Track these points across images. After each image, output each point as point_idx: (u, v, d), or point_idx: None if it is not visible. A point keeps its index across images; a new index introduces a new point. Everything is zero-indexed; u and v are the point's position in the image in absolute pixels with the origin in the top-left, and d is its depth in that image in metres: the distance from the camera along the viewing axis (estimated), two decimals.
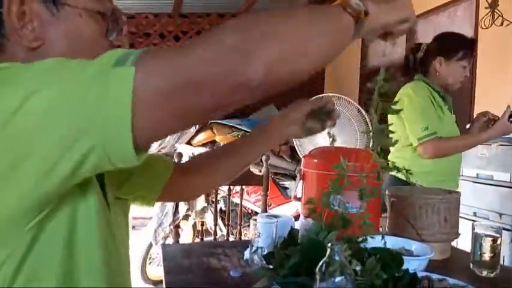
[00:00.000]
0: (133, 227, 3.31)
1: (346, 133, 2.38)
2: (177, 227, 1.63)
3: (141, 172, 0.74)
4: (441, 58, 1.66)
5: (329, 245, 0.66)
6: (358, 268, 0.78)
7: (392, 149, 1.73)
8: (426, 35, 3.13)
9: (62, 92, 0.40)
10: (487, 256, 0.99)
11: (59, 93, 0.40)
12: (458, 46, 1.67)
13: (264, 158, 1.75)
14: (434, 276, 0.85)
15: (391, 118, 1.65)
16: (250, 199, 2.82)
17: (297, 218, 1.52)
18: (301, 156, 2.82)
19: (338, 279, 0.65)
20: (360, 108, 2.53)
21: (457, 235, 1.14)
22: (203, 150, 3.14)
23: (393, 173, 1.57)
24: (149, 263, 2.57)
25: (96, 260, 0.51)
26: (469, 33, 2.66)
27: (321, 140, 2.27)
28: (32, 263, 0.45)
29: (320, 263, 0.66)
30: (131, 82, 0.39)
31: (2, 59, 0.52)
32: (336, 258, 0.65)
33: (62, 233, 0.47)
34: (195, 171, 0.83)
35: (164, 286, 0.89)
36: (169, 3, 3.52)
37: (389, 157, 1.68)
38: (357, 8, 0.51)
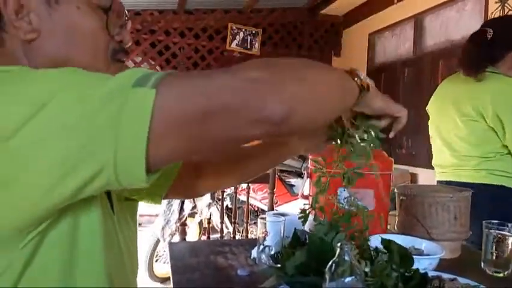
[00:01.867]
0: (140, 224, 3.32)
1: None
2: (183, 224, 1.62)
3: None
4: None
5: (339, 244, 0.65)
6: (367, 269, 0.77)
7: (472, 155, 1.44)
8: (434, 30, 3.10)
9: (77, 103, 0.38)
10: (498, 255, 0.97)
11: (74, 105, 0.38)
12: None
13: None
14: (445, 275, 0.84)
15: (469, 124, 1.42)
16: (257, 196, 2.81)
17: None
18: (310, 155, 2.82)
19: (348, 279, 0.64)
20: None
21: (468, 234, 1.13)
22: None
23: (497, 182, 1.39)
24: (156, 260, 2.58)
25: (98, 265, 0.50)
26: (477, 28, 2.62)
27: None
28: (33, 271, 0.44)
29: (330, 263, 0.65)
30: (151, 104, 0.38)
31: (2, 55, 0.51)
32: (346, 258, 0.64)
33: (63, 241, 0.46)
34: (208, 172, 0.79)
35: (172, 285, 0.89)
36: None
37: (478, 166, 1.42)
38: (364, 80, 0.56)
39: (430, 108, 1.72)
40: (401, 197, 1.15)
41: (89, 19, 0.53)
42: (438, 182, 1.57)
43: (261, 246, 0.92)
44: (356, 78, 0.56)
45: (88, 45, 0.53)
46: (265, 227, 0.95)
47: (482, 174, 1.41)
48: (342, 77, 0.54)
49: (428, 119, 1.76)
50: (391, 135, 0.69)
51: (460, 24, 2.82)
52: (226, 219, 2.56)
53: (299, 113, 0.43)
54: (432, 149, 1.66)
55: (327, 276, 0.64)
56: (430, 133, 1.69)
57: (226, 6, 3.81)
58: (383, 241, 0.85)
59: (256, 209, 2.90)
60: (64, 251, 0.46)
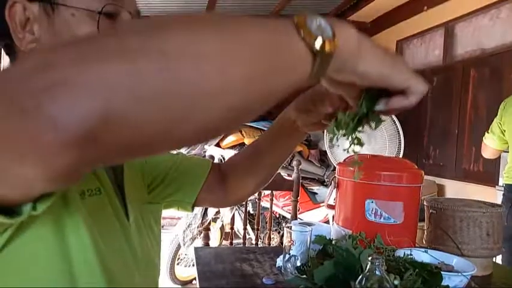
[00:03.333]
0: (162, 227, 3.37)
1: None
2: (207, 229, 1.64)
3: (175, 177, 0.73)
4: None
5: (369, 258, 0.64)
6: (397, 282, 0.76)
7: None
8: (465, 38, 3.02)
9: None
10: None
11: None
12: None
13: (295, 163, 1.73)
14: None
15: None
16: (279, 203, 2.81)
17: (325, 223, 1.50)
18: (333, 162, 2.79)
19: None
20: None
21: (500, 251, 1.09)
22: (232, 152, 3.16)
23: None
24: (178, 263, 2.61)
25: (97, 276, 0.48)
26: (511, 37, 2.54)
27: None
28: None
29: (360, 277, 0.65)
30: None
31: (15, 59, 0.53)
32: (377, 272, 0.63)
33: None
34: (232, 179, 0.76)
35: None
36: (201, 6, 3.56)
37: None
38: (316, 34, 0.30)
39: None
40: (430, 210, 1.13)
41: (82, 26, 0.51)
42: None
43: (287, 256, 0.92)
44: (303, 34, 0.30)
45: None
46: (291, 236, 0.95)
47: None
48: (261, 45, 0.29)
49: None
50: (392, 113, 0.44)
51: (493, 33, 2.74)
52: (248, 225, 2.57)
53: (131, 116, 0.24)
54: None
55: None
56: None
57: (254, 12, 3.84)
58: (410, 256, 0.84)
59: (277, 215, 2.89)
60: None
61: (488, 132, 2.03)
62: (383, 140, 2.42)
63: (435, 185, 3.07)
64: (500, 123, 1.95)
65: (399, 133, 2.44)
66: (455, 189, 2.95)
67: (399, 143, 2.45)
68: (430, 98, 3.32)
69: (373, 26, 4.22)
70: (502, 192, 1.98)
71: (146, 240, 0.62)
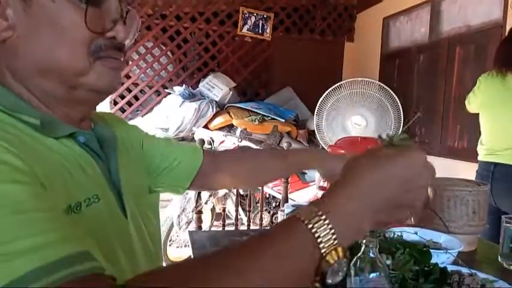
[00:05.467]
0: None
1: (375, 114, 2.35)
2: (199, 212, 1.65)
3: (173, 165, 0.75)
4: None
5: (364, 241, 0.66)
6: (389, 262, 0.78)
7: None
8: (451, 15, 3.02)
9: None
10: None
11: None
12: None
13: (285, 144, 1.74)
14: (464, 270, 0.85)
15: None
16: (269, 184, 2.84)
17: None
18: (321, 143, 2.81)
19: (372, 275, 0.65)
20: (381, 84, 2.49)
21: (484, 227, 1.13)
22: (220, 134, 3.15)
23: None
24: (170, 245, 2.64)
25: None
26: (496, 14, 2.56)
27: (350, 127, 2.25)
28: None
29: (354, 259, 0.66)
30: None
31: None
32: (371, 255, 0.65)
33: None
34: (226, 172, 0.81)
35: None
36: None
37: None
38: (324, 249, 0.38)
39: (483, 99, 1.89)
40: None
41: (66, 14, 0.47)
42: (486, 162, 1.83)
43: None
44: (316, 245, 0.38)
45: (65, 43, 0.48)
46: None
47: None
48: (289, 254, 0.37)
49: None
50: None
51: (478, 10, 2.75)
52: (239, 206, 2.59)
53: None
54: (486, 134, 1.88)
55: (351, 271, 0.66)
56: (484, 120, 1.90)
57: None
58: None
59: (267, 196, 2.93)
60: None
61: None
62: (379, 120, 2.44)
63: None
64: (470, 99, 1.96)
65: (399, 114, 2.46)
66: (440, 166, 3.02)
67: (398, 124, 2.47)
68: (416, 76, 3.35)
69: (360, 3, 4.18)
70: None
71: (145, 234, 0.62)
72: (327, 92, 2.34)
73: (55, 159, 0.48)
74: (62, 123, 0.51)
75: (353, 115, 2.27)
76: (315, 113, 2.35)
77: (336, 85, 2.39)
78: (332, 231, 0.38)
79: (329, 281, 0.39)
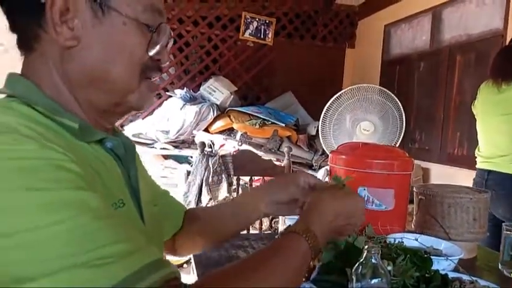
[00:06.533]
0: None
1: (375, 115, 2.36)
2: None
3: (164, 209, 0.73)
4: None
5: (366, 247, 0.66)
6: (390, 268, 0.78)
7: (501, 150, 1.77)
8: (452, 24, 3.05)
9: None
10: None
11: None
12: None
13: (285, 149, 1.75)
14: (465, 277, 0.85)
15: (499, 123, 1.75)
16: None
17: None
18: (325, 149, 2.81)
19: (374, 280, 0.65)
20: (387, 91, 2.49)
21: (485, 234, 1.13)
22: (220, 137, 3.15)
23: None
24: None
25: None
26: (497, 23, 2.58)
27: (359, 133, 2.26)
28: None
29: (356, 265, 0.67)
30: None
31: (34, 51, 0.51)
32: (373, 261, 0.66)
33: None
34: (183, 245, 0.79)
35: (196, 277, 0.91)
36: None
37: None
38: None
39: (480, 107, 1.96)
40: (419, 197, 1.16)
41: (131, 37, 0.51)
42: (481, 170, 1.88)
43: None
44: (307, 238, 0.57)
45: (125, 62, 0.52)
46: (285, 223, 0.97)
47: None
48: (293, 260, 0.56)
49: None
50: None
51: (479, 19, 2.77)
52: None
53: None
54: (481, 142, 1.94)
55: (353, 277, 0.66)
56: (480, 127, 1.97)
57: None
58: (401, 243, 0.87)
59: None
60: None
61: None
62: (386, 126, 2.45)
63: (421, 168, 3.15)
64: (473, 106, 2.00)
65: (401, 120, 2.47)
66: (440, 172, 3.04)
67: (400, 130, 2.49)
68: (417, 83, 3.36)
69: (361, 10, 4.21)
70: None
71: (156, 241, 0.63)
72: (334, 97, 2.34)
73: (90, 163, 0.50)
74: (94, 128, 0.54)
75: (361, 121, 2.28)
76: (321, 118, 2.35)
77: (343, 91, 2.40)
78: (317, 241, 0.58)
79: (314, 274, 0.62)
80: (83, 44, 0.49)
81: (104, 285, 0.37)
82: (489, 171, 1.81)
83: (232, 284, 0.46)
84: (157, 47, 0.54)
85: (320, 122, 2.37)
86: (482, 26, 2.73)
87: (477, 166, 1.91)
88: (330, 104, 2.35)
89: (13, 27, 0.51)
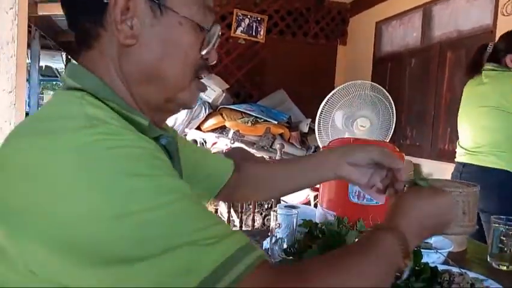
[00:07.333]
0: None
1: (368, 109, 2.37)
2: None
3: (198, 180, 0.75)
4: (511, 55, 1.73)
5: (356, 240, 0.66)
6: None
7: (484, 142, 1.76)
8: (442, 20, 3.07)
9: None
10: (505, 249, 0.99)
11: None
12: None
13: (278, 146, 1.75)
14: (454, 269, 0.86)
15: (481, 115, 1.76)
16: None
17: (305, 204, 1.52)
18: (319, 144, 2.82)
19: None
20: (373, 84, 2.51)
21: (474, 228, 1.14)
22: (213, 135, 3.14)
23: (504, 167, 1.68)
24: None
25: None
26: (487, 19, 2.60)
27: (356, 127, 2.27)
28: None
29: None
30: None
31: (93, 48, 0.52)
32: None
33: None
34: (249, 184, 0.83)
35: None
36: None
37: (488, 151, 1.74)
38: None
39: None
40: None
41: (187, 36, 0.53)
42: (458, 163, 1.90)
43: (274, 238, 0.94)
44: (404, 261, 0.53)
45: (180, 61, 0.54)
46: (277, 219, 0.97)
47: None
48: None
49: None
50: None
51: (469, 15, 2.80)
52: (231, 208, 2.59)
53: None
54: (460, 136, 1.97)
55: None
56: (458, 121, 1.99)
57: None
58: None
59: None
60: None
61: None
62: (378, 122, 2.46)
63: (412, 164, 3.17)
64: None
65: (392, 116, 2.48)
66: (431, 168, 3.06)
67: (392, 126, 2.50)
68: (408, 80, 3.38)
69: (353, 7, 4.22)
70: None
71: None
72: (330, 94, 2.35)
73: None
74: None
75: (357, 117, 2.29)
76: (318, 114, 2.35)
77: (338, 88, 2.40)
78: (407, 242, 0.53)
79: (404, 276, 0.55)
80: (141, 42, 0.51)
81: (211, 264, 0.39)
82: (464, 164, 1.83)
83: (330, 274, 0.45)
84: (209, 47, 0.56)
85: (317, 118, 2.37)
86: (473, 23, 2.75)
87: (455, 159, 1.94)
88: (326, 101, 2.35)
89: (73, 26, 0.53)
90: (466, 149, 1.86)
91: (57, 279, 0.40)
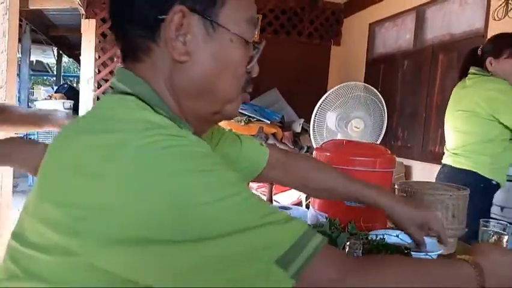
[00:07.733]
0: None
1: (361, 110, 2.38)
2: None
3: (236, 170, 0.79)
4: (491, 58, 1.77)
5: (348, 243, 0.67)
6: None
7: (458, 145, 1.84)
8: (435, 23, 3.10)
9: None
10: None
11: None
12: (506, 45, 1.76)
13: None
14: None
15: (456, 118, 1.84)
16: (253, 185, 2.84)
17: (297, 205, 1.52)
18: (313, 144, 2.83)
19: None
20: (366, 85, 2.52)
21: (464, 230, 1.16)
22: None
23: (472, 168, 1.75)
24: None
25: None
26: (479, 23, 2.63)
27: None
28: None
29: None
30: None
31: (145, 63, 0.53)
32: (355, 255, 0.66)
33: None
34: (283, 177, 0.92)
35: None
36: None
37: (460, 153, 1.82)
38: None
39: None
40: (401, 193, 1.18)
41: (237, 52, 0.55)
42: (442, 165, 1.98)
43: None
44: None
45: (231, 76, 0.56)
46: None
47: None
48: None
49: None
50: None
51: (461, 19, 2.83)
52: None
53: None
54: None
55: None
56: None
57: None
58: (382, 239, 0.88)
59: None
60: None
61: None
62: (370, 123, 2.48)
63: (403, 166, 3.20)
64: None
65: (384, 118, 2.51)
66: (421, 170, 3.09)
67: (382, 127, 2.53)
68: (400, 82, 3.41)
69: (347, 8, 4.24)
70: None
71: None
72: (325, 96, 2.35)
73: None
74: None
75: (351, 119, 2.30)
76: (313, 115, 2.36)
77: (333, 89, 2.41)
78: (484, 277, 0.56)
79: None
80: (193, 59, 0.52)
81: (287, 242, 0.43)
82: (443, 165, 1.93)
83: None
84: (254, 61, 0.59)
85: (312, 118, 2.38)
86: (465, 26, 2.78)
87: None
88: (321, 102, 2.36)
89: (122, 39, 0.55)
90: (447, 150, 1.94)
91: (128, 276, 0.43)
